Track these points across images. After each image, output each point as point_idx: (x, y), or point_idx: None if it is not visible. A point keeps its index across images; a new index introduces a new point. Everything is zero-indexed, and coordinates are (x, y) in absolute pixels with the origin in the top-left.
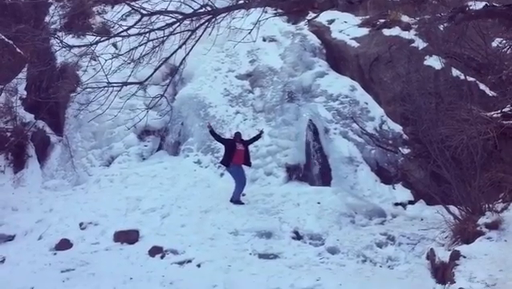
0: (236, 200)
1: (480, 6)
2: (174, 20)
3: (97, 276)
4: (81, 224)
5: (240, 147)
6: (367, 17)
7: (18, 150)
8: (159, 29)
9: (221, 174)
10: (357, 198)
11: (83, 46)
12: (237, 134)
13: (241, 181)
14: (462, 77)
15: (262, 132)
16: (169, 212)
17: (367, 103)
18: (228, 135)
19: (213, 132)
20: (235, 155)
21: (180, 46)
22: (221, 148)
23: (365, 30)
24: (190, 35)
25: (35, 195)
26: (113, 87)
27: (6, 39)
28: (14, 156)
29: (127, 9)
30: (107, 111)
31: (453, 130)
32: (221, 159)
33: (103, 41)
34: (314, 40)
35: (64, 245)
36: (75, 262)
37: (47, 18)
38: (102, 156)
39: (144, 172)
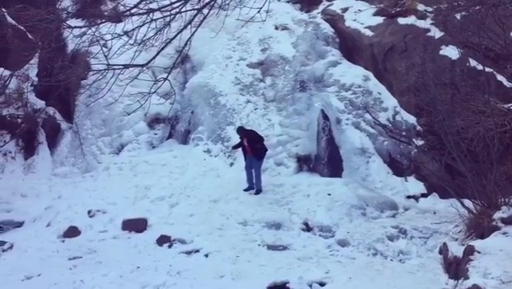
0: (259, 188)
1: None
2: None
3: (104, 264)
4: (89, 211)
5: (245, 142)
6: (382, 5)
7: (28, 136)
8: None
9: (231, 164)
10: (368, 190)
11: (84, 26)
12: (239, 130)
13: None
14: (479, 67)
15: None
16: (178, 201)
17: (380, 94)
18: (238, 124)
19: (235, 147)
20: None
21: (185, 26)
22: (232, 136)
23: (380, 19)
24: (196, 14)
25: (45, 182)
26: (114, 69)
27: (18, 25)
28: (25, 143)
29: None
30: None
31: (469, 122)
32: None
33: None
34: (327, 29)
35: (72, 232)
36: (83, 250)
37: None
38: (111, 143)
39: (153, 160)
